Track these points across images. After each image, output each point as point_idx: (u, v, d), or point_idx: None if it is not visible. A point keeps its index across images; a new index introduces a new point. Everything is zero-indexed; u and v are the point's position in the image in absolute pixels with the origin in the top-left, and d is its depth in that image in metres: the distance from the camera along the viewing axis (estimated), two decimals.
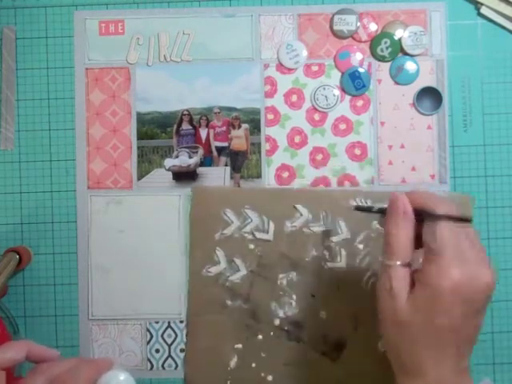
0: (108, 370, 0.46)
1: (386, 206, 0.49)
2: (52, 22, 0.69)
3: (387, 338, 0.46)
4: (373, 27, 0.68)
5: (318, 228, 0.66)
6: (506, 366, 0.67)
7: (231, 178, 0.68)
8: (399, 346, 0.45)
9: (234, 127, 0.68)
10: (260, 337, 0.66)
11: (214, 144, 0.69)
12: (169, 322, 0.68)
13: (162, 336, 0.68)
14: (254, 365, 0.66)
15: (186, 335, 0.67)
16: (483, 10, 0.67)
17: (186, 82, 0.69)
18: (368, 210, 0.57)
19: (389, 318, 0.45)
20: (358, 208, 0.58)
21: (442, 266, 0.43)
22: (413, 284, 0.45)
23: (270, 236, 0.66)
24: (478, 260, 0.44)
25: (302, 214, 0.66)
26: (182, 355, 0.67)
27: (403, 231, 0.46)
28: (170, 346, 0.68)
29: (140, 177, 0.69)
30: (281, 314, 0.66)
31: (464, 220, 0.45)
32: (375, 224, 0.66)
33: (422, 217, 0.45)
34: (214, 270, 0.67)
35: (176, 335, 0.67)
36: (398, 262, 0.45)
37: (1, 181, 0.68)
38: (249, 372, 0.66)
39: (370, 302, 0.51)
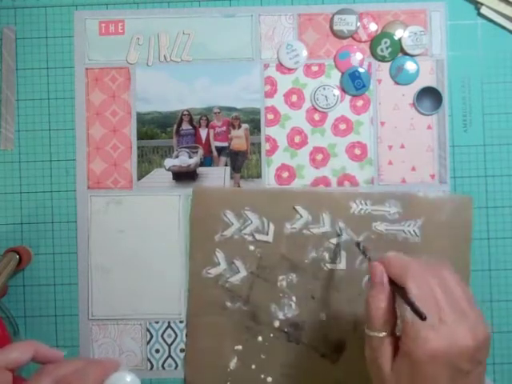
0: (114, 371, 0.46)
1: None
2: (52, 22, 0.69)
3: None
4: (373, 27, 0.67)
5: (317, 230, 0.66)
6: (506, 365, 0.67)
7: (231, 178, 0.68)
8: None
9: (234, 127, 0.68)
10: (260, 338, 0.66)
11: (214, 144, 0.69)
12: (169, 322, 0.68)
13: (162, 336, 0.68)
14: (253, 366, 0.66)
15: (186, 336, 0.67)
16: (483, 10, 0.67)
17: (186, 81, 0.68)
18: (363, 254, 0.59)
19: None
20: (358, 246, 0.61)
21: (417, 334, 0.41)
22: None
23: (269, 238, 0.66)
24: (457, 318, 0.42)
25: (301, 216, 0.66)
26: (181, 355, 0.67)
27: (379, 303, 0.45)
28: (170, 346, 0.68)
29: (140, 177, 0.68)
30: (280, 315, 0.66)
31: (418, 313, 0.42)
32: (375, 225, 0.66)
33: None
34: (213, 271, 0.67)
35: (176, 335, 0.67)
36: (379, 333, 0.45)
37: (1, 181, 0.68)
38: (248, 373, 0.66)
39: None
